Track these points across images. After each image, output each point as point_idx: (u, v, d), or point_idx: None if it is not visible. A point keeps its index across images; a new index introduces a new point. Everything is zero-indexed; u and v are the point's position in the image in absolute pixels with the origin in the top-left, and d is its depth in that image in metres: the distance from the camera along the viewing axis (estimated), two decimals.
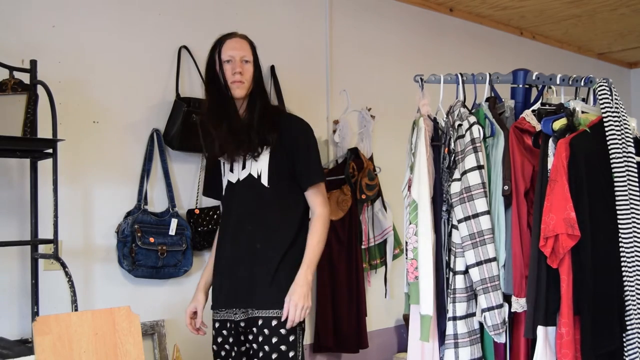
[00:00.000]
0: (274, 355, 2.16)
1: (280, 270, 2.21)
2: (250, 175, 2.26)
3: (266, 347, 2.18)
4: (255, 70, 2.28)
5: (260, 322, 2.20)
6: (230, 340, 2.29)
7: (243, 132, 2.25)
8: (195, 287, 2.45)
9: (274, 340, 2.18)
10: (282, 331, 2.18)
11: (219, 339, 2.32)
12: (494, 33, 4.52)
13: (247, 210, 2.28)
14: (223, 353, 2.31)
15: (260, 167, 2.25)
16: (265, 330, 2.19)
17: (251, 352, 2.24)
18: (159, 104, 2.82)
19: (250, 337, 2.23)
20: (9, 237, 2.39)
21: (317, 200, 2.27)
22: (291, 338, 2.19)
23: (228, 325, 2.29)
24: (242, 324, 2.25)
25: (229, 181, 2.34)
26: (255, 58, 2.30)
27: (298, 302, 2.16)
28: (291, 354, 2.18)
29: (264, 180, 2.25)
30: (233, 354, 2.28)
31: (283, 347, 2.18)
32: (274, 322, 2.19)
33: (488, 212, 2.09)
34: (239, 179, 2.30)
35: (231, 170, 2.33)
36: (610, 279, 2.04)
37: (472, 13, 4.28)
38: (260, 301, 2.20)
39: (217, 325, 2.33)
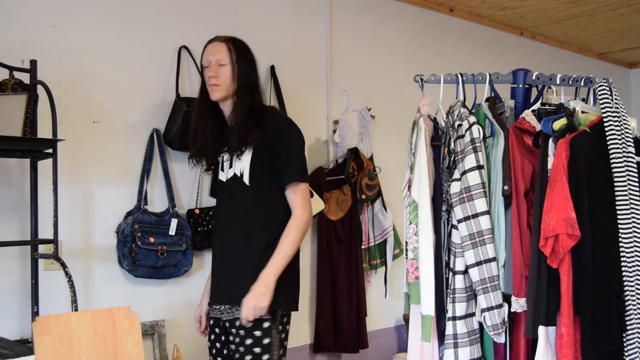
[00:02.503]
0: (247, 357, 2.16)
1: (257, 270, 2.19)
2: (234, 174, 2.29)
3: (241, 349, 2.18)
4: (234, 71, 2.27)
5: (237, 322, 2.19)
6: (222, 338, 2.30)
7: (221, 134, 2.35)
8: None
9: (248, 342, 2.17)
10: (257, 333, 2.17)
11: (212, 336, 2.35)
12: (494, 33, 4.52)
13: (232, 209, 2.30)
14: (214, 351, 2.33)
15: (242, 166, 2.27)
16: (242, 332, 2.18)
17: (231, 352, 2.24)
18: (159, 104, 2.82)
19: (231, 337, 2.24)
20: (9, 237, 2.39)
21: (295, 201, 2.23)
22: (265, 341, 2.17)
23: (220, 323, 2.30)
24: (228, 324, 2.26)
25: (220, 180, 2.38)
26: (234, 59, 2.28)
27: (250, 301, 2.13)
28: (265, 357, 2.17)
29: (246, 179, 2.26)
30: (225, 352, 2.30)
31: (257, 350, 2.16)
32: (249, 324, 2.17)
33: (488, 212, 2.09)
34: (227, 178, 2.34)
35: (222, 169, 2.37)
36: (610, 279, 2.04)
37: (472, 13, 4.28)
38: (239, 299, 2.19)
39: (211, 322, 2.36)
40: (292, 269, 2.25)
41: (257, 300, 2.13)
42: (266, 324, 2.18)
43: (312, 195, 3.03)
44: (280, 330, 2.21)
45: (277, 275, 2.17)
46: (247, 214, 2.25)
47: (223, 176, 2.36)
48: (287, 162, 2.23)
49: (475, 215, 2.09)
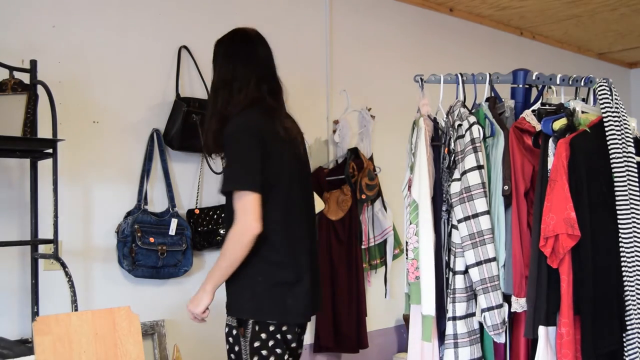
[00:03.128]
0: None
1: (230, 279, 2.10)
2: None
3: (226, 354, 2.15)
4: (213, 71, 2.21)
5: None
6: None
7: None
8: None
9: (226, 347, 2.12)
10: (230, 339, 2.10)
11: None
12: (494, 33, 4.52)
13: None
14: None
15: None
16: (225, 338, 2.14)
17: None
18: (159, 104, 2.82)
19: None
20: (9, 237, 2.39)
21: (235, 210, 2.01)
22: (236, 348, 2.08)
23: None
24: None
25: None
26: (213, 61, 2.22)
27: (188, 305, 2.10)
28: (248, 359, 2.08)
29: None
30: None
31: (232, 356, 2.10)
32: (226, 329, 2.11)
33: (488, 212, 2.09)
34: None
35: None
36: (610, 279, 2.04)
37: (472, 13, 4.28)
38: (226, 305, 2.14)
39: None
40: (261, 285, 2.06)
41: (191, 305, 2.10)
42: (234, 332, 2.08)
43: None
44: (253, 339, 2.05)
45: (214, 283, 2.06)
46: (228, 221, 2.11)
47: None
48: (226, 170, 2.06)
49: (475, 215, 2.09)
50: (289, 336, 2.11)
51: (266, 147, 2.03)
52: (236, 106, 2.10)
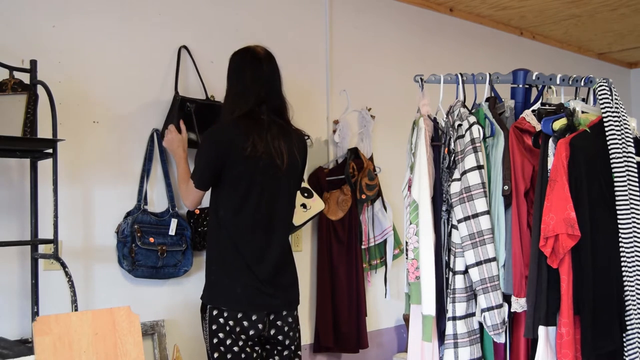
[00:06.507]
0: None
1: (207, 268, 2.43)
2: None
3: None
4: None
5: None
6: None
7: None
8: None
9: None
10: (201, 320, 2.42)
11: None
12: (494, 33, 4.52)
13: None
14: None
15: None
16: None
17: None
18: (159, 104, 2.82)
19: None
20: (9, 237, 2.39)
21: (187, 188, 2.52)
22: (203, 329, 2.39)
23: None
24: None
25: None
26: (227, 71, 2.50)
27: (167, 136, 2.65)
28: (207, 344, 2.37)
29: None
30: None
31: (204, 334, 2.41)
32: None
33: (488, 212, 2.10)
34: None
35: None
36: (610, 278, 2.04)
37: (472, 13, 4.28)
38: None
39: None
40: (214, 274, 2.37)
41: (166, 143, 2.67)
42: (200, 314, 2.41)
43: (312, 195, 3.03)
44: (211, 322, 2.32)
45: (180, 162, 2.59)
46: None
47: None
48: None
49: (475, 215, 2.09)
50: (245, 323, 2.29)
51: (225, 158, 2.32)
52: (227, 116, 2.38)
